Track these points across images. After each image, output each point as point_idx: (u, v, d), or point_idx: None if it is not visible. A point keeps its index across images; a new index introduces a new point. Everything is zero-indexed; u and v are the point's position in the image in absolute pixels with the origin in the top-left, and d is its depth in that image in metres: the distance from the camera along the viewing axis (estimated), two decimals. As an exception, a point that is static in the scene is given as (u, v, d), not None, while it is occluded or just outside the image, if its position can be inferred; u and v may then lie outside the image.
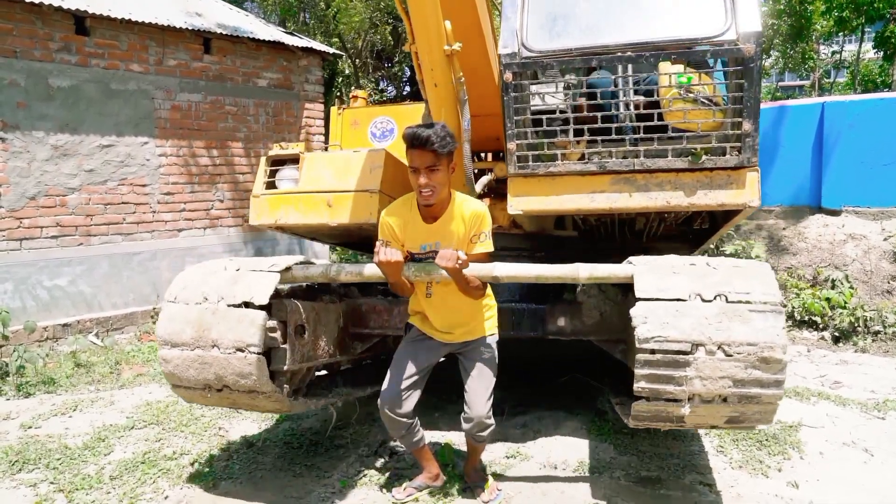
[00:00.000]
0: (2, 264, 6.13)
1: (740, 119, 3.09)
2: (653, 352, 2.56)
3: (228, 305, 2.91)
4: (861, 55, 20.03)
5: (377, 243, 2.80)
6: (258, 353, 2.84)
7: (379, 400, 3.03)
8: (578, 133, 3.31)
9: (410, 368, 3.04)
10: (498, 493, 3.17)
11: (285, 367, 3.09)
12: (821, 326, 6.48)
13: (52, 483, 3.43)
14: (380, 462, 3.66)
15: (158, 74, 7.30)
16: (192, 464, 3.64)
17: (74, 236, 6.69)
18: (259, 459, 3.72)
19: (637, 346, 2.58)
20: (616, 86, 3.33)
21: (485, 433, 3.01)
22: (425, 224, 2.86)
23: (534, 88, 3.43)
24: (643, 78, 3.32)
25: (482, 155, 4.64)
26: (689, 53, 3.14)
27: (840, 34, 20.08)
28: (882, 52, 16.33)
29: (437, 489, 3.24)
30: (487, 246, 2.88)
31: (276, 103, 8.58)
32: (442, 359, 3.19)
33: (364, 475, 3.49)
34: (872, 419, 4.15)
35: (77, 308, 6.69)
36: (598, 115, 3.26)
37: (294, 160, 3.94)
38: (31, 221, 6.34)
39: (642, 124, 3.23)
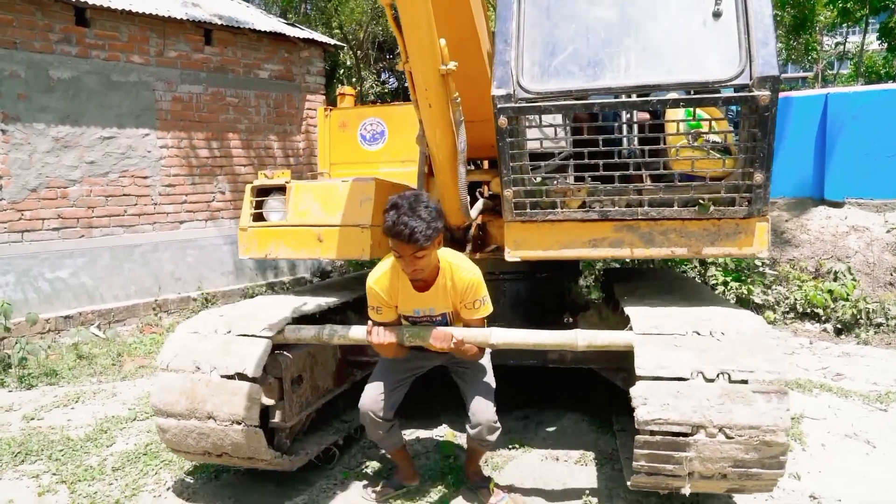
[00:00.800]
0: (3, 256, 6.13)
1: (752, 170, 2.90)
2: (653, 433, 2.52)
3: (221, 376, 2.89)
4: (865, 46, 19.91)
5: (369, 322, 2.82)
6: (254, 426, 2.85)
7: (360, 399, 3.00)
8: (579, 179, 3.16)
9: (395, 374, 3.02)
10: (504, 496, 3.10)
11: (285, 425, 3.12)
12: (823, 318, 6.47)
13: (54, 474, 3.44)
14: (381, 453, 3.66)
15: (159, 66, 7.28)
16: (194, 455, 3.64)
17: (76, 228, 6.68)
18: (261, 451, 3.72)
19: (637, 426, 2.53)
20: (619, 127, 3.18)
21: (492, 437, 2.95)
22: (416, 292, 2.81)
23: (531, 125, 3.22)
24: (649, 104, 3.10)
25: (478, 162, 4.53)
26: (699, 100, 2.92)
27: (843, 25, 19.97)
28: (887, 44, 16.25)
29: (413, 489, 3.21)
30: (484, 311, 2.83)
31: (277, 95, 8.55)
32: (428, 369, 3.13)
33: (366, 466, 3.50)
34: (874, 411, 4.15)
35: (79, 300, 6.70)
36: (601, 162, 3.07)
37: (280, 189, 3.84)
38: (32, 213, 6.34)
39: (647, 173, 3.07)
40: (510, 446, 3.68)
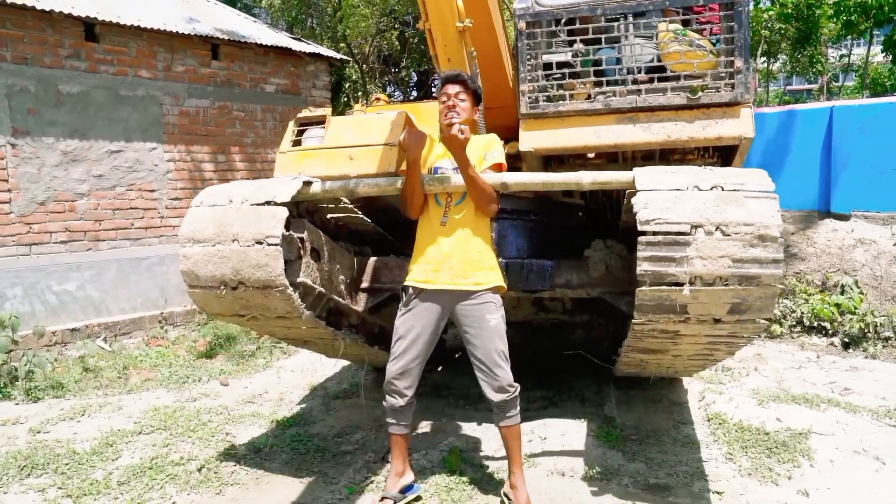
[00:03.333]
0: (12, 269, 6.17)
1: (732, 58, 3.39)
2: (654, 233, 2.65)
3: (252, 204, 3.01)
4: (869, 58, 19.92)
5: (403, 132, 3.10)
6: (276, 245, 2.90)
7: (386, 370, 3.10)
8: (585, 75, 3.63)
9: (412, 339, 3.08)
10: None
11: (299, 279, 3.16)
12: (830, 332, 6.43)
13: (60, 488, 3.44)
14: (387, 468, 3.64)
15: (167, 80, 7.34)
16: (199, 469, 3.64)
17: (83, 241, 6.72)
18: (266, 465, 3.72)
19: (638, 227, 2.67)
20: (618, 42, 3.65)
21: (509, 397, 2.99)
22: (446, 151, 3.08)
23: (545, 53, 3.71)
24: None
25: None
26: (686, 1, 3.48)
27: (848, 38, 20.00)
28: (891, 56, 16.25)
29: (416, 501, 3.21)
30: (498, 158, 3.11)
31: (283, 108, 8.60)
32: (442, 322, 3.14)
33: (371, 481, 3.49)
34: (884, 426, 4.11)
35: (85, 313, 6.72)
36: (604, 57, 3.61)
37: (320, 122, 4.12)
38: (40, 227, 6.38)
39: (643, 64, 3.57)
40: (516, 461, 3.66)
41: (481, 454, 3.81)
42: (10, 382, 5.19)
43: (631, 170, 3.63)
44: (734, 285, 2.62)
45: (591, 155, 4.02)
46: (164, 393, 5.17)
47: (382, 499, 3.18)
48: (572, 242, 4.55)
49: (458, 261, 3.02)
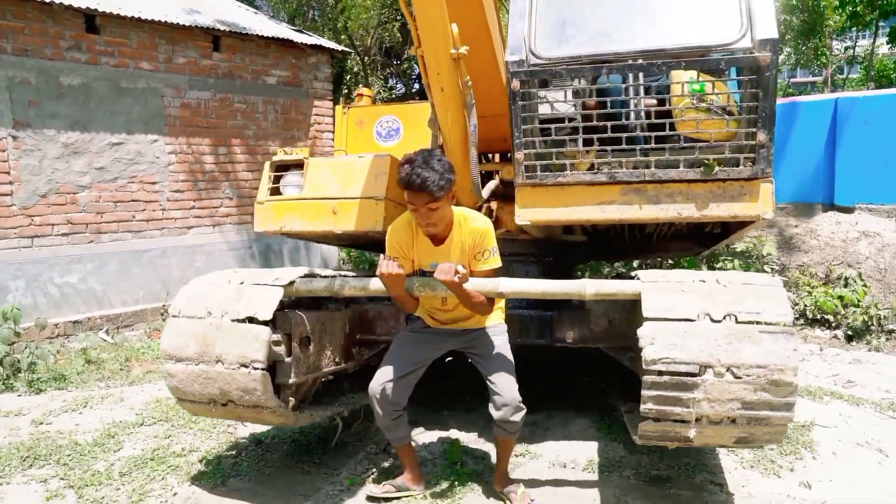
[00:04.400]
0: (14, 262, 6.17)
1: (755, 129, 3.00)
2: (660, 373, 2.51)
3: (232, 320, 2.90)
4: (875, 50, 19.80)
5: (381, 256, 2.80)
6: (262, 369, 2.84)
7: (370, 385, 3.01)
8: (588, 142, 3.25)
9: (408, 358, 3.03)
10: (532, 502, 3.07)
11: (290, 381, 3.11)
12: (833, 325, 6.42)
13: (62, 479, 3.44)
14: (388, 461, 3.65)
15: (168, 72, 7.32)
16: (200, 461, 3.64)
17: (85, 234, 6.72)
18: (267, 457, 3.72)
19: (644, 367, 2.52)
20: (627, 91, 3.23)
21: (517, 418, 2.92)
22: (433, 246, 2.88)
23: (542, 95, 3.32)
24: (655, 80, 3.25)
25: (489, 156, 4.61)
26: (702, 62, 3.04)
27: (853, 29, 19.86)
28: (896, 48, 16.18)
29: (418, 495, 3.19)
30: (493, 262, 2.87)
31: (285, 101, 8.58)
32: (443, 353, 3.14)
33: (372, 473, 3.49)
34: (887, 419, 4.10)
35: (87, 305, 6.73)
36: (609, 124, 3.16)
37: (298, 166, 3.92)
38: (42, 219, 6.38)
39: (653, 134, 3.13)
40: (517, 453, 3.66)
41: (482, 446, 3.81)
42: (13, 374, 5.20)
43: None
44: (742, 424, 2.53)
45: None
46: (165, 385, 5.16)
47: (385, 483, 3.20)
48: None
49: (461, 323, 3.04)
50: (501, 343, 3.04)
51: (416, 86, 17.19)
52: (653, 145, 3.15)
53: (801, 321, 6.59)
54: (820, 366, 5.35)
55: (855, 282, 6.75)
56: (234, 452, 3.77)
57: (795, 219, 8.24)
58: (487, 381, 2.98)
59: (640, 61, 3.10)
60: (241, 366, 2.84)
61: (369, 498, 3.15)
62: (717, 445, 2.76)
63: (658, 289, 2.72)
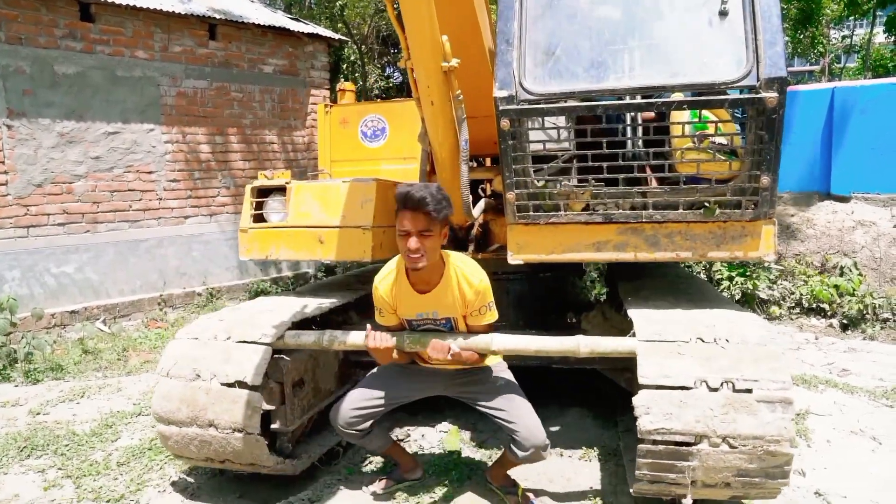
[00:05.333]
0: (9, 252, 6.16)
1: (758, 172, 2.85)
2: (655, 443, 2.50)
3: (221, 384, 2.87)
4: (872, 40, 19.77)
5: (368, 326, 2.75)
6: (256, 434, 2.85)
7: (333, 409, 2.94)
8: (583, 181, 3.10)
9: (386, 393, 2.89)
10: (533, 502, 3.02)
11: (286, 428, 3.12)
12: (829, 314, 6.44)
13: (60, 469, 3.45)
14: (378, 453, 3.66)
15: (164, 61, 7.28)
16: (198, 450, 3.65)
17: (81, 223, 6.70)
18: (265, 446, 3.73)
19: (639, 436, 2.52)
20: (624, 130, 3.11)
21: (546, 453, 2.81)
22: (418, 294, 2.74)
23: (533, 130, 3.14)
24: (652, 122, 3.12)
25: (481, 160, 4.50)
26: (704, 102, 2.88)
27: (850, 18, 19.80)
28: (894, 37, 16.11)
29: (416, 483, 3.19)
30: (490, 317, 2.77)
31: (281, 90, 8.54)
32: (428, 396, 3.02)
33: (370, 463, 3.50)
34: (881, 407, 4.13)
35: (84, 295, 6.72)
36: (605, 165, 3.01)
37: (280, 190, 3.82)
38: (37, 209, 6.36)
39: (653, 175, 3.02)
40: (514, 442, 3.68)
41: (480, 434, 3.82)
42: (10, 364, 5.20)
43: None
44: (737, 489, 2.55)
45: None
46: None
47: (382, 479, 3.20)
48: (566, 297, 4.39)
49: (453, 365, 2.87)
50: (508, 380, 2.88)
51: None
52: (652, 187, 3.03)
53: (797, 310, 6.61)
54: (815, 354, 5.37)
55: (850, 271, 6.77)
56: (232, 442, 3.78)
57: (792, 208, 8.25)
58: (505, 425, 2.79)
59: (638, 99, 2.96)
60: (235, 431, 2.85)
61: (374, 495, 3.14)
62: (713, 499, 2.78)
63: (654, 351, 2.65)
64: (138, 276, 7.18)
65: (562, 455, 3.55)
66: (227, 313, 3.37)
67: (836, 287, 6.50)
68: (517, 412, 2.78)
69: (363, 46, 14.83)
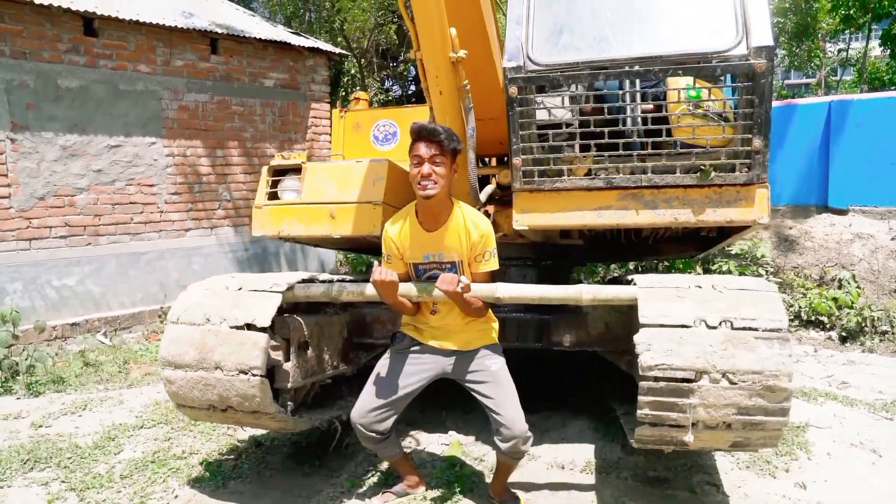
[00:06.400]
0: (12, 264, 6.18)
1: (750, 136, 3.02)
2: (656, 379, 2.54)
3: (231, 327, 2.91)
4: (867, 53, 19.93)
5: (374, 263, 2.81)
6: (261, 376, 2.86)
7: (352, 412, 2.97)
8: (585, 148, 3.25)
9: (393, 385, 2.93)
10: None
11: (289, 386, 3.12)
12: (828, 326, 6.47)
13: (63, 482, 3.45)
14: (388, 463, 3.67)
15: (166, 75, 7.34)
16: (201, 463, 3.66)
17: (83, 236, 6.73)
18: (268, 459, 3.74)
19: (641, 373, 2.55)
20: (623, 97, 3.26)
21: (526, 447, 2.87)
22: (426, 232, 2.83)
23: (539, 101, 3.32)
24: (651, 84, 3.28)
25: (486, 160, 4.60)
26: (698, 69, 3.05)
27: (846, 32, 19.98)
28: (889, 50, 16.26)
29: (417, 497, 3.20)
30: (493, 265, 2.85)
31: (282, 103, 8.61)
32: (430, 380, 3.02)
33: (373, 475, 3.51)
34: (880, 420, 4.15)
35: (85, 307, 6.74)
36: (605, 130, 3.17)
37: (296, 170, 3.92)
38: (40, 221, 6.39)
39: (650, 140, 3.16)
40: (516, 455, 3.69)
41: (482, 447, 3.84)
42: (12, 377, 5.21)
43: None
44: (738, 429, 2.58)
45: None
46: (164, 389, 5.17)
47: (384, 492, 3.21)
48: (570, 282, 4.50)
49: (451, 338, 2.94)
50: (499, 368, 2.92)
51: (412, 88, 17.23)
52: (650, 151, 3.16)
53: (796, 322, 6.64)
54: (814, 367, 5.40)
55: (849, 283, 6.81)
56: (234, 455, 3.79)
57: (790, 220, 8.30)
58: (489, 412, 2.87)
59: (637, 68, 3.11)
60: (240, 372, 2.86)
61: None
62: (713, 450, 2.78)
63: (654, 295, 2.73)
64: (139, 288, 7.20)
65: (563, 467, 3.57)
66: (238, 274, 3.45)
67: (835, 300, 6.54)
68: (503, 401, 2.85)
69: (363, 60, 14.94)
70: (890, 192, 7.90)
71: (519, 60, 3.20)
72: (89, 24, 6.67)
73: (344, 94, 14.47)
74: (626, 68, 3.13)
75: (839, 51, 24.53)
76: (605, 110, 3.22)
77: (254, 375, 2.85)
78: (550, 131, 3.28)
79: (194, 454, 3.80)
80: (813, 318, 6.56)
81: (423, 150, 2.67)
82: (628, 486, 3.34)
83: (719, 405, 2.51)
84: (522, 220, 3.38)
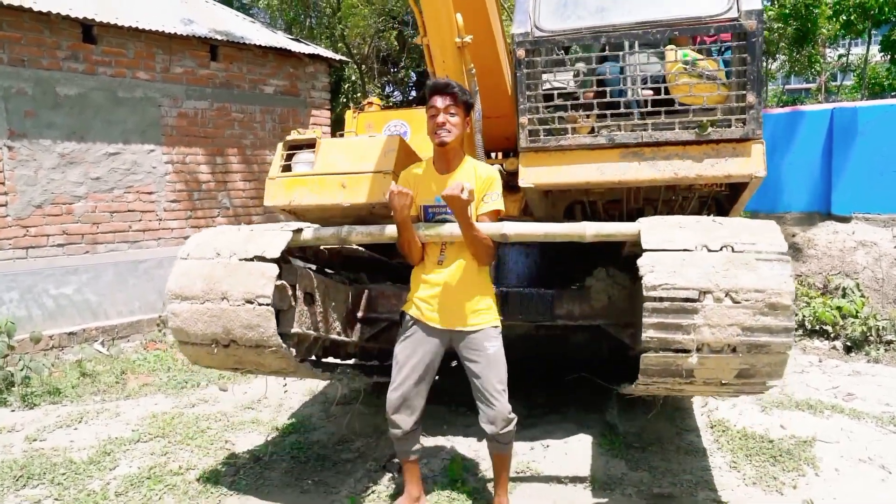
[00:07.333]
0: (8, 273, 6.12)
1: (744, 91, 3.19)
2: (661, 299, 2.56)
3: (240, 260, 2.94)
4: (868, 59, 19.90)
5: (392, 182, 2.97)
6: (267, 305, 2.84)
7: (387, 400, 3.01)
8: (588, 108, 3.43)
9: (413, 365, 2.99)
10: None
11: (293, 330, 3.11)
12: (832, 336, 6.40)
13: (56, 499, 3.39)
14: (388, 477, 3.61)
15: (165, 82, 7.29)
16: (198, 479, 3.60)
17: (80, 244, 6.67)
18: (266, 474, 3.68)
19: (644, 293, 2.58)
20: (624, 58, 3.42)
21: (509, 429, 2.92)
22: (438, 175, 2.95)
23: (545, 63, 3.50)
24: (650, 48, 3.46)
25: (492, 154, 4.64)
26: (694, 29, 3.29)
27: (846, 38, 19.96)
28: (889, 56, 16.23)
29: None
30: (498, 204, 2.95)
31: (282, 110, 8.56)
32: (440, 354, 3.04)
33: (373, 491, 3.45)
34: (888, 434, 4.08)
35: (83, 316, 6.67)
36: (608, 89, 3.40)
37: (310, 145, 4.01)
38: (37, 230, 6.33)
39: (650, 97, 3.31)
40: (517, 471, 3.63)
41: (483, 463, 3.77)
42: (7, 388, 5.14)
43: (636, 201, 3.60)
44: (743, 353, 2.56)
45: None
46: (162, 399, 5.12)
47: None
48: (573, 263, 4.50)
49: (454, 304, 2.93)
50: (495, 350, 2.94)
51: (413, 93, 17.20)
52: (649, 108, 3.31)
53: (800, 332, 6.57)
54: (819, 378, 5.33)
55: (853, 292, 6.75)
56: (231, 470, 3.73)
57: (793, 228, 8.24)
58: (476, 392, 2.95)
59: (637, 31, 3.30)
60: (247, 301, 2.86)
61: None
62: (719, 383, 2.70)
63: (657, 224, 2.82)
64: (137, 297, 7.13)
65: (566, 484, 3.50)
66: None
67: (839, 309, 6.48)
68: (489, 382, 2.90)
69: (364, 66, 14.90)
70: (893, 200, 7.84)
71: (526, 27, 3.42)
72: (88, 31, 6.62)
73: (345, 100, 14.45)
74: (627, 32, 3.32)
75: (839, 56, 24.54)
76: (608, 71, 3.46)
77: (259, 304, 2.85)
78: (556, 91, 3.45)
79: (191, 469, 3.74)
80: (817, 327, 6.49)
81: (439, 101, 2.84)
82: (633, 502, 3.29)
83: (723, 325, 2.53)
84: (528, 177, 3.49)
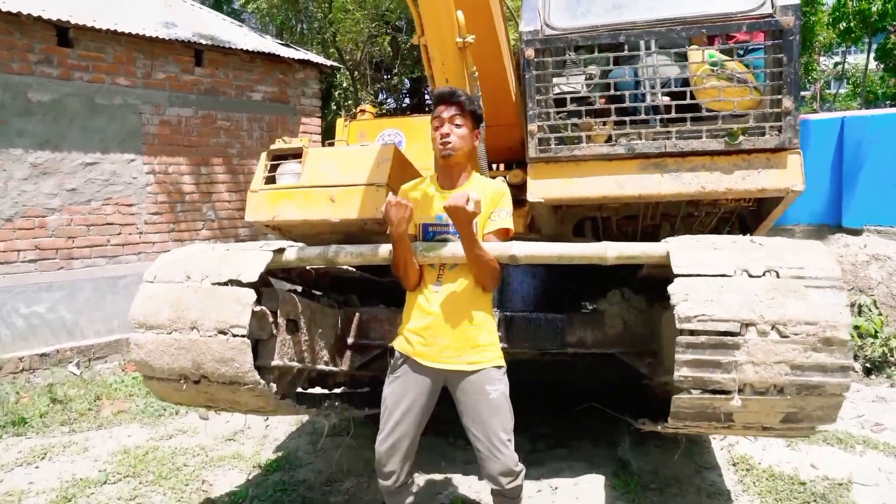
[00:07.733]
0: (-26, 291, 5.73)
1: (780, 96, 2.84)
2: (695, 333, 2.20)
3: (213, 284, 2.57)
4: (861, 66, 19.79)
5: (389, 194, 2.57)
6: (242, 336, 2.47)
7: (375, 449, 2.62)
8: (604, 114, 3.08)
9: (403, 410, 2.58)
10: None
11: (273, 363, 2.71)
12: (849, 356, 6.08)
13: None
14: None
15: (146, 88, 6.92)
16: (168, 531, 3.23)
17: (55, 260, 6.28)
18: (245, 524, 3.31)
19: (678, 325, 2.22)
20: (643, 73, 3.08)
21: (516, 483, 2.52)
22: (443, 191, 2.61)
23: (557, 64, 3.18)
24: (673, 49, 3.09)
25: (494, 165, 4.33)
26: (724, 27, 2.92)
27: (842, 45, 19.84)
28: (884, 64, 16.11)
29: None
30: (507, 223, 2.61)
31: (271, 118, 8.20)
32: (433, 397, 2.63)
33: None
34: (928, 473, 3.74)
35: (56, 336, 6.28)
36: (626, 93, 3.03)
37: (297, 155, 3.64)
38: (6, 245, 5.94)
39: (674, 102, 2.95)
40: (526, 518, 3.27)
41: (483, 501, 3.42)
42: (-32, 418, 4.75)
43: (653, 217, 3.29)
44: (791, 395, 2.21)
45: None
46: (136, 429, 4.73)
47: None
48: (583, 284, 4.18)
49: (450, 337, 2.51)
50: (498, 394, 2.52)
51: (407, 100, 16.89)
52: (673, 114, 2.96)
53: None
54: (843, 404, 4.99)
55: (870, 310, 6.43)
56: (207, 518, 3.36)
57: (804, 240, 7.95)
58: (476, 441, 2.53)
59: (658, 29, 2.96)
60: (219, 332, 2.49)
61: None
62: (761, 427, 2.35)
63: (688, 246, 2.46)
64: (116, 314, 6.74)
65: (580, 535, 3.14)
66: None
67: (857, 328, 6.15)
68: (491, 432, 2.50)
69: (356, 72, 14.57)
70: (906, 212, 7.58)
71: (536, 25, 3.10)
72: (64, 34, 6.26)
73: (336, 107, 14.11)
74: (647, 30, 2.97)
75: (835, 64, 24.44)
76: (626, 72, 3.11)
77: (234, 335, 2.47)
78: (568, 96, 3.10)
79: (162, 517, 3.36)
80: (833, 347, 6.17)
81: (444, 111, 2.56)
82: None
83: (769, 362, 2.18)
84: (537, 190, 3.15)
